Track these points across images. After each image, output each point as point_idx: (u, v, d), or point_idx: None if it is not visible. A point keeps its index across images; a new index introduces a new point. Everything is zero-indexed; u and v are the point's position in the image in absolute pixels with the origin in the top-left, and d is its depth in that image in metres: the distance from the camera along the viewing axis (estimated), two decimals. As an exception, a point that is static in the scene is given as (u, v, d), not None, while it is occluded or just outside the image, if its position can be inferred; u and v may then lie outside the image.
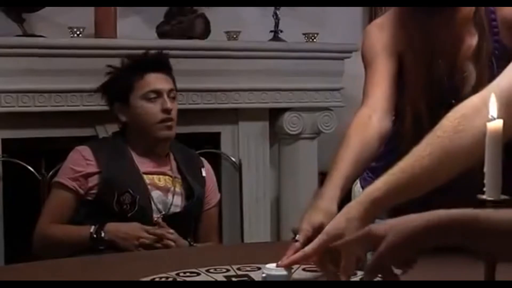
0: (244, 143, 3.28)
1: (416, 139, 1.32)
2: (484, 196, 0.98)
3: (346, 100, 3.30)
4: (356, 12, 3.64)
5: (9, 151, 2.86)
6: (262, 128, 3.33)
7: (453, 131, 1.28)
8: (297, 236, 1.33)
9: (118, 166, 2.24)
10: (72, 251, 2.04)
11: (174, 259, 1.70)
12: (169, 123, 2.29)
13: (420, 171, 1.28)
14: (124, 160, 2.27)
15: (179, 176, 2.33)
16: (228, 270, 1.41)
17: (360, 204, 1.31)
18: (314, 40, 3.31)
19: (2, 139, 2.86)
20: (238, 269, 1.41)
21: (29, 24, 2.91)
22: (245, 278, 1.36)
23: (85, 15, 2.95)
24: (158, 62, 2.36)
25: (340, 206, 1.37)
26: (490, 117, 0.99)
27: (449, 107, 1.34)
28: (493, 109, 0.99)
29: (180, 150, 2.39)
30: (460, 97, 1.35)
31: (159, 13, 3.12)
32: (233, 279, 1.36)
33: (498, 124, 0.98)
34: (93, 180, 2.21)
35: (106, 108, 2.85)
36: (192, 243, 2.25)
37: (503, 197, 0.97)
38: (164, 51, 2.42)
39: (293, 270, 1.29)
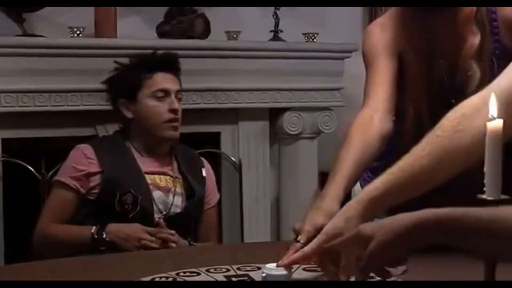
0: (244, 143, 3.28)
1: (417, 138, 1.32)
2: (484, 196, 0.98)
3: (346, 100, 3.30)
4: (356, 12, 3.64)
5: (9, 151, 2.86)
6: (262, 128, 3.33)
7: (453, 131, 1.28)
8: (299, 236, 1.33)
9: (120, 166, 2.23)
10: (73, 251, 2.03)
11: (174, 259, 1.70)
12: (175, 124, 2.29)
13: (419, 170, 1.28)
14: (126, 160, 2.26)
15: (180, 176, 2.33)
16: (228, 270, 1.41)
17: (359, 203, 1.31)
18: (314, 40, 3.31)
19: (2, 139, 2.86)
20: (238, 269, 1.41)
21: (29, 24, 2.91)
22: (245, 278, 1.36)
23: (85, 15, 2.95)
24: (168, 62, 2.36)
25: (342, 207, 1.37)
26: (490, 116, 0.99)
27: (449, 106, 1.34)
28: (493, 108, 0.99)
29: (181, 150, 2.39)
30: (464, 96, 1.35)
31: (159, 13, 3.12)
32: (233, 279, 1.36)
33: (498, 124, 0.98)
34: (95, 180, 2.21)
35: (106, 108, 2.86)
36: (192, 242, 2.25)
37: (503, 197, 0.97)
38: (173, 52, 2.42)
39: (293, 270, 1.29)
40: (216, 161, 3.10)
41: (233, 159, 3.26)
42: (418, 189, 1.30)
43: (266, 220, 3.34)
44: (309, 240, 1.31)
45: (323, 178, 1.49)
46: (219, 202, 2.59)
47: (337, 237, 1.23)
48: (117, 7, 3.00)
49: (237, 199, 3.26)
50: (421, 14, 1.59)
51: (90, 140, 2.41)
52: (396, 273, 1.33)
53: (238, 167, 3.26)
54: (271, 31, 3.30)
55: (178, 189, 2.30)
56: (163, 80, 2.31)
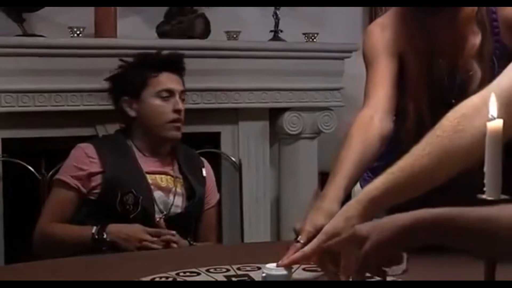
0: (244, 143, 3.28)
1: (417, 138, 1.32)
2: (484, 196, 0.98)
3: (346, 100, 3.30)
4: (356, 12, 3.64)
5: (9, 151, 2.86)
6: (262, 128, 3.33)
7: (453, 131, 1.28)
8: (299, 236, 1.33)
9: (121, 166, 2.22)
10: (73, 251, 2.03)
11: (174, 259, 1.70)
12: (178, 124, 2.29)
13: (419, 170, 1.28)
14: (128, 159, 2.26)
15: (180, 176, 2.32)
16: (228, 270, 1.41)
17: (359, 203, 1.31)
18: (314, 40, 3.31)
19: (2, 139, 2.85)
20: (238, 269, 1.41)
21: (29, 24, 2.91)
22: (245, 278, 1.36)
23: (85, 15, 2.95)
24: (174, 62, 2.36)
25: (342, 207, 1.37)
26: (490, 116, 0.99)
27: (450, 106, 1.34)
28: (493, 108, 0.99)
29: (182, 150, 2.38)
30: (464, 96, 1.35)
31: (159, 13, 3.12)
32: (233, 279, 1.36)
33: (498, 123, 0.98)
34: (96, 180, 2.20)
35: (106, 108, 2.86)
36: (192, 242, 2.25)
37: (503, 197, 0.97)
38: (179, 52, 2.42)
39: (293, 270, 1.29)
40: (216, 161, 3.10)
41: (233, 159, 3.26)
42: (418, 189, 1.30)
43: (266, 220, 3.34)
44: (309, 240, 1.31)
45: (323, 178, 1.50)
46: (219, 202, 2.59)
47: (337, 237, 1.23)
48: (117, 7, 3.00)
49: (237, 199, 3.26)
50: (421, 14, 1.59)
51: (91, 139, 2.41)
52: (396, 273, 1.34)
53: (238, 167, 3.26)
54: (271, 31, 3.30)
55: (179, 189, 2.29)
56: (168, 80, 2.31)
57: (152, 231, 2.12)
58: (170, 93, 2.29)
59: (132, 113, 2.31)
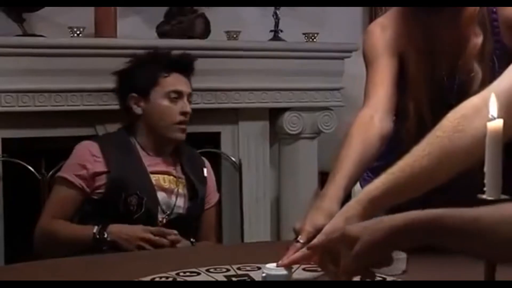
0: (244, 143, 3.28)
1: (418, 139, 1.32)
2: (484, 196, 0.98)
3: (346, 100, 3.30)
4: (356, 12, 3.64)
5: (9, 151, 2.86)
6: (262, 128, 3.33)
7: (453, 131, 1.28)
8: (299, 236, 1.34)
9: (126, 166, 2.21)
10: (73, 250, 2.03)
11: (174, 259, 1.70)
12: (183, 126, 2.29)
13: (419, 170, 1.28)
14: (132, 159, 2.24)
15: (182, 177, 2.31)
16: (228, 270, 1.41)
17: (359, 203, 1.31)
18: (314, 40, 3.31)
19: (2, 139, 2.85)
20: (238, 268, 1.41)
21: (29, 24, 2.91)
22: (245, 278, 1.36)
23: (85, 15, 2.95)
24: (186, 63, 2.35)
25: (342, 206, 1.37)
26: (490, 116, 0.99)
27: (450, 107, 1.34)
28: (493, 108, 0.99)
29: (185, 150, 2.37)
30: (465, 97, 1.35)
31: (159, 13, 3.12)
32: (233, 278, 1.36)
33: (498, 123, 0.98)
34: (101, 180, 2.19)
35: (106, 108, 2.87)
36: (194, 242, 2.25)
37: (503, 197, 0.97)
38: (190, 53, 2.41)
39: (293, 270, 1.29)
40: (216, 161, 3.10)
41: (233, 159, 3.26)
42: (418, 189, 1.30)
43: (266, 220, 3.34)
44: (309, 240, 1.31)
45: (323, 178, 1.50)
46: (219, 202, 2.59)
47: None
48: (117, 7, 3.00)
49: (237, 199, 3.26)
50: (422, 14, 1.59)
51: (95, 137, 2.39)
52: (396, 273, 1.34)
53: (238, 167, 3.26)
54: (271, 31, 3.30)
55: (181, 190, 2.29)
56: (178, 81, 2.30)
57: (154, 230, 2.11)
58: (179, 94, 2.28)
59: (138, 111, 2.30)
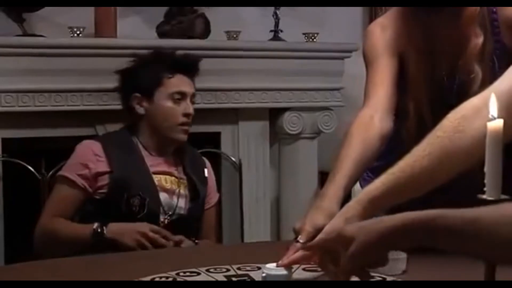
0: (244, 143, 3.28)
1: (418, 139, 1.32)
2: (484, 196, 0.98)
3: (346, 100, 3.30)
4: (356, 12, 3.64)
5: (9, 151, 2.86)
6: (262, 128, 3.33)
7: (453, 131, 1.28)
8: (299, 236, 1.34)
9: (129, 166, 2.20)
10: (73, 249, 2.02)
11: (174, 259, 1.70)
12: (186, 127, 2.28)
13: (419, 171, 1.28)
14: (135, 159, 2.23)
15: (184, 177, 2.31)
16: (228, 270, 1.41)
17: (359, 203, 1.31)
18: (314, 40, 3.31)
19: (2, 139, 2.85)
20: (238, 268, 1.41)
21: (29, 24, 2.91)
22: (245, 278, 1.36)
23: (85, 15, 2.95)
24: (190, 64, 2.34)
25: (342, 206, 1.37)
26: (490, 116, 0.99)
27: (450, 107, 1.34)
28: (493, 108, 0.99)
29: (187, 151, 2.36)
30: (465, 97, 1.35)
31: (159, 13, 3.12)
32: (233, 278, 1.36)
33: (498, 123, 0.98)
34: (103, 180, 2.17)
35: (106, 108, 2.87)
36: (197, 242, 2.24)
37: (503, 197, 0.97)
38: (194, 54, 2.40)
39: (293, 270, 1.29)
40: (216, 161, 3.10)
41: (233, 159, 3.26)
42: (418, 189, 1.30)
43: (266, 220, 3.34)
44: (309, 240, 1.31)
45: (323, 178, 1.50)
46: (219, 202, 2.58)
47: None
48: (117, 7, 3.00)
49: (237, 199, 3.26)
50: (422, 14, 1.59)
51: (97, 136, 2.38)
52: (396, 273, 1.34)
53: (238, 167, 3.26)
54: (271, 31, 3.30)
55: (182, 191, 2.28)
56: (182, 82, 2.29)
57: (156, 229, 2.10)
58: (182, 95, 2.27)
59: (141, 111, 2.29)
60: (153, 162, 2.26)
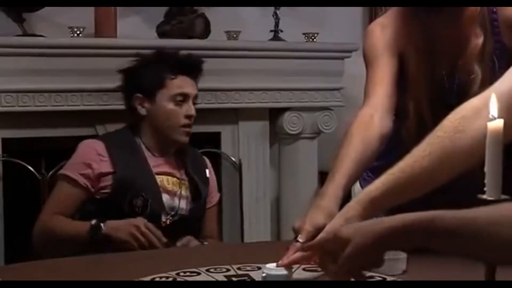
0: (244, 143, 3.28)
1: (418, 139, 1.32)
2: (484, 196, 0.98)
3: (346, 100, 3.30)
4: (356, 12, 3.64)
5: (9, 151, 2.86)
6: (262, 128, 3.33)
7: (454, 132, 1.28)
8: (299, 236, 1.34)
9: (132, 166, 2.19)
10: (71, 246, 2.01)
11: (174, 259, 1.70)
12: (188, 129, 2.27)
13: (419, 171, 1.28)
14: (138, 159, 2.22)
15: (185, 178, 2.30)
16: (228, 270, 1.41)
17: (359, 203, 1.31)
18: (314, 40, 3.31)
19: (2, 139, 2.85)
20: (238, 268, 1.41)
21: (29, 24, 2.91)
22: (245, 278, 1.36)
23: (85, 15, 2.95)
24: (193, 66, 2.33)
25: (342, 206, 1.37)
26: (490, 116, 0.99)
27: (451, 108, 1.34)
28: (493, 108, 0.99)
29: (188, 152, 2.35)
30: (465, 98, 1.35)
31: (159, 13, 3.12)
32: (233, 278, 1.36)
33: (498, 123, 0.98)
34: (106, 180, 2.16)
35: (106, 108, 2.87)
36: (204, 242, 2.24)
37: (503, 197, 0.97)
38: (197, 55, 2.38)
39: (293, 270, 1.29)
40: (216, 161, 3.10)
41: (233, 159, 3.26)
42: (419, 189, 1.30)
43: (266, 220, 3.34)
44: (308, 240, 1.31)
45: (323, 178, 1.49)
46: (219, 202, 2.58)
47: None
48: (117, 7, 3.00)
49: (237, 199, 3.26)
50: (422, 14, 1.59)
51: (100, 136, 2.37)
52: (396, 273, 1.34)
53: (238, 167, 3.26)
54: (271, 31, 3.30)
55: (184, 192, 2.27)
56: (184, 83, 2.27)
57: (149, 226, 2.06)
58: (185, 97, 2.26)
59: (143, 112, 2.27)
60: (156, 163, 2.25)
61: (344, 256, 1.06)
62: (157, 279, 1.35)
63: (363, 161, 1.51)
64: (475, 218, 0.93)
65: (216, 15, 3.19)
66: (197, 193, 2.30)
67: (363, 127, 1.54)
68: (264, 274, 1.26)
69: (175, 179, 2.28)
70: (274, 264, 1.27)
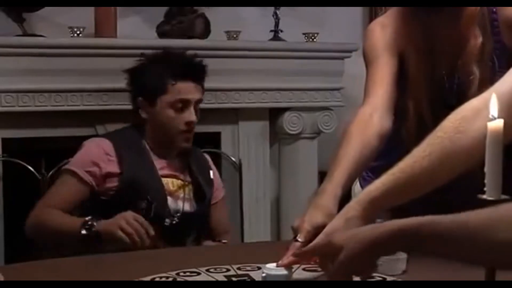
0: (244, 143, 3.28)
1: (418, 139, 1.32)
2: (484, 196, 0.98)
3: (346, 100, 3.30)
4: (356, 12, 3.64)
5: (9, 151, 2.86)
6: (262, 128, 3.33)
7: (454, 132, 1.28)
8: (298, 235, 1.34)
9: (139, 168, 2.17)
10: (63, 241, 1.99)
11: (174, 259, 1.70)
12: (188, 135, 2.24)
13: (419, 171, 1.28)
14: (145, 161, 2.20)
15: (189, 180, 2.29)
16: (228, 270, 1.41)
17: (359, 204, 1.31)
18: (314, 40, 3.31)
19: (2, 139, 2.86)
20: (238, 268, 1.41)
21: (29, 24, 2.91)
22: (245, 278, 1.36)
23: (85, 15, 2.95)
24: (197, 72, 2.30)
25: (341, 205, 1.37)
26: (490, 116, 0.99)
27: (451, 108, 1.34)
28: (493, 109, 0.99)
29: (191, 153, 2.33)
30: (465, 98, 1.35)
31: (159, 13, 3.12)
32: (233, 278, 1.36)
33: (498, 123, 0.98)
34: (112, 181, 2.15)
35: (106, 108, 2.87)
36: (222, 241, 2.23)
37: (503, 197, 0.97)
38: (202, 60, 2.35)
39: (293, 270, 1.29)
40: (216, 161, 3.09)
41: (233, 159, 3.26)
42: (419, 190, 1.30)
43: (266, 220, 3.34)
44: (308, 239, 1.31)
45: (323, 178, 1.49)
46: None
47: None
48: (117, 7, 3.00)
49: (237, 199, 3.26)
50: (422, 13, 1.59)
51: (106, 134, 2.34)
52: (396, 273, 1.34)
53: (238, 167, 3.26)
54: (271, 31, 3.30)
55: (187, 195, 2.26)
56: (185, 89, 2.23)
57: (139, 219, 1.98)
58: (186, 103, 2.22)
59: (144, 115, 2.26)
60: (160, 165, 2.23)
61: (338, 263, 1.06)
62: (157, 279, 1.35)
63: (362, 160, 1.50)
64: (467, 221, 0.93)
65: (216, 15, 3.19)
66: (201, 194, 2.29)
67: (362, 126, 1.54)
68: (264, 274, 1.26)
69: (179, 181, 2.26)
70: (274, 264, 1.27)
